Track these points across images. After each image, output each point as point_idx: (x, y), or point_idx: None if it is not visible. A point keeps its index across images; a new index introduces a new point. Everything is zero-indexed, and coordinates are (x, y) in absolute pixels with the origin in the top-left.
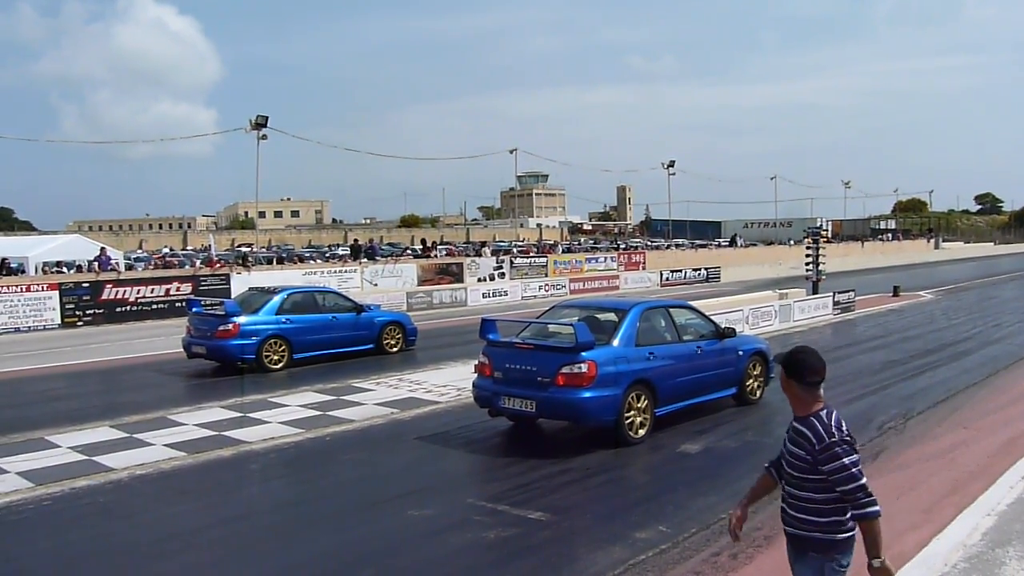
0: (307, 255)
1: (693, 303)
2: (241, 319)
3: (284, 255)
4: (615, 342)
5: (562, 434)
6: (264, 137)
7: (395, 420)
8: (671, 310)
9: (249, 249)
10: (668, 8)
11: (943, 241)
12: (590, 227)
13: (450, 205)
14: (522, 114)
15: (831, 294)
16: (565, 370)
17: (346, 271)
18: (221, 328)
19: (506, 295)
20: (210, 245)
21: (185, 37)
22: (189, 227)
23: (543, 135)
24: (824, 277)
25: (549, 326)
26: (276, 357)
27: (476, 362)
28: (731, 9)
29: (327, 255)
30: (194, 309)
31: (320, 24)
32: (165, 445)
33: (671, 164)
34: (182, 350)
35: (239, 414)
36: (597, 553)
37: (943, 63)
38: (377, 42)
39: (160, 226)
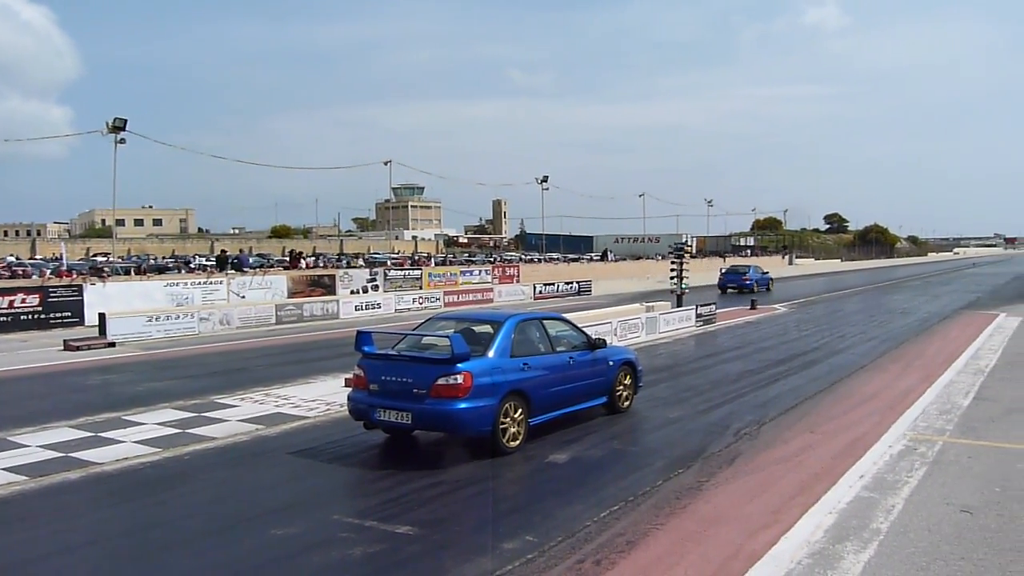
0: (169, 265)
1: (565, 315)
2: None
3: (143, 265)
4: (490, 353)
5: (436, 447)
6: (122, 141)
7: (260, 437)
8: (545, 322)
9: (105, 259)
10: (547, 26)
11: (796, 257)
12: (466, 240)
13: (324, 216)
14: (399, 126)
15: (694, 307)
16: (441, 381)
17: (212, 283)
18: None
19: (379, 307)
20: (61, 254)
21: (37, 28)
22: (39, 234)
23: (420, 147)
24: (688, 290)
25: (425, 338)
26: None
27: (350, 375)
28: (607, 29)
29: (192, 266)
30: None
31: (190, 26)
32: (3, 469)
33: (544, 179)
34: (30, 366)
35: (90, 434)
36: (465, 565)
37: (801, 91)
38: (251, 48)
39: (5, 233)
